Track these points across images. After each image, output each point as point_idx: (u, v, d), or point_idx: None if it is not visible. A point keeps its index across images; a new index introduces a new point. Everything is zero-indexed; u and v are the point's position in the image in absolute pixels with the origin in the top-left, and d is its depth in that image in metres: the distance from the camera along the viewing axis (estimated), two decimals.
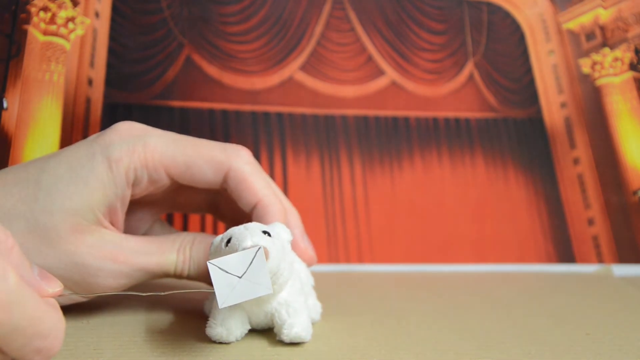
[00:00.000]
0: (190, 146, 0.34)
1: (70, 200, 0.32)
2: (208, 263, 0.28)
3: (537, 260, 0.62)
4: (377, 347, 0.32)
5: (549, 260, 0.62)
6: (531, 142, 0.67)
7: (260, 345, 0.31)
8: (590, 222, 0.64)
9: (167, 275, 0.34)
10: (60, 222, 0.32)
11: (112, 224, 0.34)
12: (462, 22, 0.72)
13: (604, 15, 0.72)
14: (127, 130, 0.34)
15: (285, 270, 0.30)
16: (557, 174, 0.66)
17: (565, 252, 0.63)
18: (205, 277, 0.34)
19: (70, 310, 0.34)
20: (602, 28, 0.72)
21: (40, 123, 0.58)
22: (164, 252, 0.34)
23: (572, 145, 0.68)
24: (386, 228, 0.61)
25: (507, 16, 0.73)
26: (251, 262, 0.28)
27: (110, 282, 0.33)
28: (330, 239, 0.60)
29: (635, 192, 0.65)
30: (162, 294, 0.31)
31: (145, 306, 0.38)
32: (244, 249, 0.28)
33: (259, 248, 0.28)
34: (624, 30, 0.71)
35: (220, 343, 0.31)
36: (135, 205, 0.37)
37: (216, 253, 0.31)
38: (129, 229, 0.38)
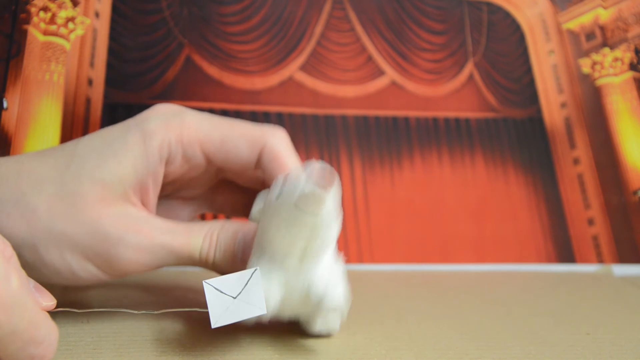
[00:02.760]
0: (227, 124, 0.34)
1: (99, 169, 0.31)
2: (203, 282, 0.27)
3: (537, 260, 0.62)
4: (377, 347, 0.32)
5: (549, 260, 0.62)
6: (531, 142, 0.67)
7: (261, 345, 0.31)
8: (590, 222, 0.64)
9: (192, 259, 0.33)
10: (88, 189, 0.31)
11: (143, 203, 0.33)
12: (462, 22, 0.72)
13: (604, 15, 0.72)
14: (165, 109, 0.33)
15: (335, 223, 0.28)
16: (557, 174, 0.66)
17: (565, 252, 0.63)
18: (230, 265, 0.33)
19: (70, 310, 0.34)
20: (602, 28, 0.72)
21: (40, 123, 0.58)
22: (191, 233, 0.32)
23: (572, 145, 0.68)
24: (386, 228, 0.61)
25: (507, 16, 0.73)
26: (247, 282, 0.27)
27: (130, 255, 0.31)
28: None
29: (635, 192, 0.65)
30: (155, 312, 0.31)
31: (144, 306, 0.38)
32: (314, 168, 0.26)
33: (255, 269, 0.27)
34: (624, 30, 0.71)
35: (222, 343, 0.31)
36: (172, 200, 0.37)
37: (265, 200, 0.28)
38: None
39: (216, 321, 0.27)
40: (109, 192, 0.31)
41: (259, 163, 0.34)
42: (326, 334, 0.31)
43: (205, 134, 0.33)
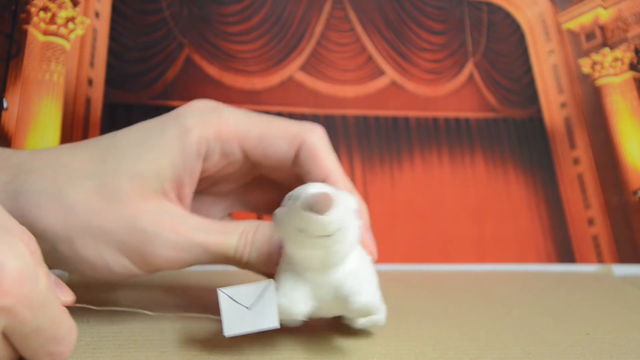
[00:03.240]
0: (264, 120, 0.34)
1: (136, 164, 0.31)
2: (217, 290, 0.27)
3: (537, 260, 0.62)
4: (378, 347, 0.32)
5: (549, 260, 0.62)
6: (531, 142, 0.67)
7: (260, 345, 0.31)
8: (590, 222, 0.64)
9: (226, 258, 0.33)
10: (125, 184, 0.31)
11: (179, 199, 0.33)
12: (462, 22, 0.72)
13: (604, 15, 0.72)
14: (202, 105, 0.33)
15: (351, 230, 0.28)
16: (557, 174, 0.66)
17: (565, 252, 0.63)
18: (264, 265, 0.32)
19: (69, 309, 0.34)
20: (602, 28, 0.72)
21: (40, 123, 0.58)
22: (226, 232, 0.32)
23: (572, 145, 0.68)
24: (386, 228, 0.61)
25: (507, 16, 0.73)
26: (261, 294, 0.27)
27: (167, 252, 0.31)
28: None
29: (635, 192, 0.65)
30: (170, 315, 0.31)
31: (145, 306, 0.38)
32: (308, 194, 0.26)
33: (270, 281, 0.27)
34: (624, 30, 0.71)
35: (222, 343, 0.30)
36: (206, 195, 0.37)
37: (280, 216, 0.28)
38: None
39: (229, 330, 0.27)
40: (146, 187, 0.31)
41: (296, 160, 0.34)
42: (372, 326, 0.31)
43: (243, 129, 0.33)
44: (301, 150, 0.33)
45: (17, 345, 0.23)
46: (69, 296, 0.26)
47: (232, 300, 0.27)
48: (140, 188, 0.31)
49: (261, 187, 0.37)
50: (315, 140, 0.34)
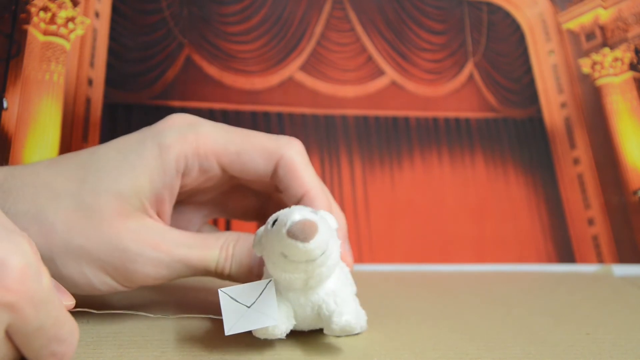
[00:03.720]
0: (242, 135, 0.34)
1: (116, 183, 0.31)
2: (219, 290, 0.28)
3: (537, 260, 0.62)
4: (378, 347, 0.32)
5: (549, 260, 0.62)
6: (531, 142, 0.67)
7: (259, 343, 0.31)
8: (590, 222, 0.64)
9: (207, 271, 0.33)
10: (106, 203, 0.31)
11: (159, 214, 0.33)
12: (462, 22, 0.72)
13: (604, 15, 0.72)
14: (180, 120, 0.33)
15: (333, 253, 0.29)
16: (557, 174, 0.66)
17: (565, 252, 0.63)
18: (245, 277, 0.33)
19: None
20: (602, 28, 0.72)
21: (40, 123, 0.58)
22: (207, 247, 0.33)
23: (572, 145, 0.68)
24: (386, 228, 0.61)
25: (507, 16, 0.73)
26: (261, 293, 0.28)
27: (149, 270, 0.32)
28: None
29: (635, 192, 0.65)
30: (171, 317, 0.31)
31: (145, 306, 0.38)
32: (292, 222, 0.27)
33: (270, 280, 0.28)
34: (624, 30, 0.71)
35: (221, 343, 0.31)
36: (185, 205, 0.37)
37: (262, 237, 0.29)
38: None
39: (230, 329, 0.28)
40: (127, 205, 0.32)
41: (275, 174, 0.34)
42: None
43: (221, 146, 0.33)
44: (279, 166, 0.34)
45: (20, 344, 0.23)
46: (69, 300, 0.26)
47: (232, 300, 0.28)
48: (121, 207, 0.31)
49: (240, 194, 0.38)
50: (293, 155, 0.34)
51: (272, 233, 0.28)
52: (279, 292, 0.30)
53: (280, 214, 0.29)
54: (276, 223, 0.28)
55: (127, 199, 0.31)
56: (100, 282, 0.32)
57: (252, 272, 0.33)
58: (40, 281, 0.22)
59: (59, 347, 0.24)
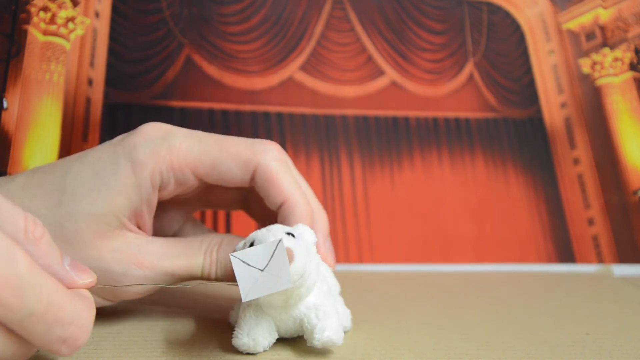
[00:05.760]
0: (217, 145, 0.33)
1: (93, 205, 0.31)
2: (231, 255, 0.28)
3: (537, 260, 0.62)
4: (377, 347, 0.32)
5: (549, 260, 0.62)
6: (531, 142, 0.67)
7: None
8: (590, 222, 0.64)
9: (194, 278, 0.33)
10: (84, 227, 0.31)
11: (139, 226, 0.33)
12: (462, 22, 0.72)
13: (604, 15, 0.72)
14: (152, 132, 0.33)
15: (312, 272, 0.30)
16: (557, 174, 0.66)
17: (565, 252, 0.63)
18: (232, 279, 0.33)
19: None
20: (602, 28, 0.72)
21: (40, 123, 0.58)
22: (191, 255, 0.33)
23: (572, 145, 0.68)
24: (386, 228, 0.61)
25: (507, 16, 0.73)
26: (272, 255, 0.28)
27: (134, 287, 0.32)
28: (330, 239, 0.60)
29: (635, 192, 0.65)
30: (189, 285, 0.31)
31: (145, 306, 0.38)
32: None
33: (280, 240, 0.28)
34: (624, 30, 0.71)
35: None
36: (166, 204, 0.37)
37: (240, 258, 0.29)
38: (159, 229, 0.37)
39: (246, 295, 0.28)
40: (105, 226, 0.31)
41: (253, 182, 0.34)
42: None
43: (195, 158, 0.33)
44: (256, 174, 0.34)
45: (24, 335, 0.22)
46: (87, 278, 0.25)
47: (245, 265, 0.28)
48: (100, 228, 0.31)
49: (221, 188, 0.37)
50: (269, 162, 0.33)
51: (250, 256, 0.28)
52: (259, 308, 0.30)
53: (257, 237, 0.29)
54: (254, 244, 0.29)
55: (106, 220, 0.31)
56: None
57: None
58: (14, 265, 0.21)
59: (64, 331, 0.23)
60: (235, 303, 0.34)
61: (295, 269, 0.28)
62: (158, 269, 0.32)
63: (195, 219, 0.40)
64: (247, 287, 0.28)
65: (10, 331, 0.23)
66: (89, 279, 0.26)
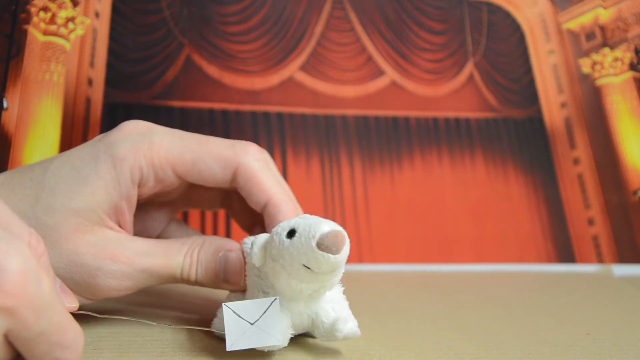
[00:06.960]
0: (197, 143, 0.33)
1: (71, 199, 0.31)
2: (223, 305, 0.28)
3: (537, 260, 0.62)
4: (377, 347, 0.32)
5: (549, 260, 0.62)
6: (531, 142, 0.67)
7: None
8: (590, 222, 0.64)
9: (173, 279, 0.33)
10: (62, 221, 0.31)
11: (119, 224, 0.33)
12: (462, 22, 0.72)
13: (604, 15, 0.72)
14: (133, 129, 0.33)
15: (342, 270, 0.29)
16: (557, 174, 0.66)
17: (565, 252, 0.63)
18: (211, 282, 0.33)
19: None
20: (602, 28, 0.72)
21: (40, 123, 0.58)
22: (170, 254, 0.33)
23: (572, 145, 0.68)
24: (386, 228, 0.61)
25: (507, 16, 0.73)
26: (266, 310, 0.28)
27: (111, 282, 0.31)
28: None
29: (635, 192, 0.65)
30: (173, 327, 0.31)
31: (145, 307, 0.38)
32: (322, 234, 0.27)
33: (275, 299, 0.28)
34: (624, 30, 0.71)
35: (221, 343, 0.30)
36: (149, 205, 0.36)
37: (270, 248, 0.29)
38: (143, 230, 0.37)
39: (232, 345, 0.27)
40: (84, 220, 0.31)
41: (234, 182, 0.34)
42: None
43: (176, 155, 0.33)
44: (238, 174, 0.33)
45: (23, 350, 0.23)
46: (73, 302, 0.26)
47: (236, 316, 0.27)
48: (78, 222, 0.31)
49: (203, 187, 0.37)
50: (250, 162, 0.33)
51: (294, 245, 0.27)
52: (280, 302, 0.29)
53: (299, 224, 0.28)
54: (297, 235, 0.28)
55: (84, 214, 0.31)
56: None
57: (219, 277, 0.33)
58: (41, 286, 0.22)
59: (62, 354, 0.23)
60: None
61: (344, 255, 0.27)
62: (135, 265, 0.32)
63: (179, 220, 0.40)
64: (235, 337, 0.27)
65: (9, 344, 0.23)
66: (74, 303, 0.26)
